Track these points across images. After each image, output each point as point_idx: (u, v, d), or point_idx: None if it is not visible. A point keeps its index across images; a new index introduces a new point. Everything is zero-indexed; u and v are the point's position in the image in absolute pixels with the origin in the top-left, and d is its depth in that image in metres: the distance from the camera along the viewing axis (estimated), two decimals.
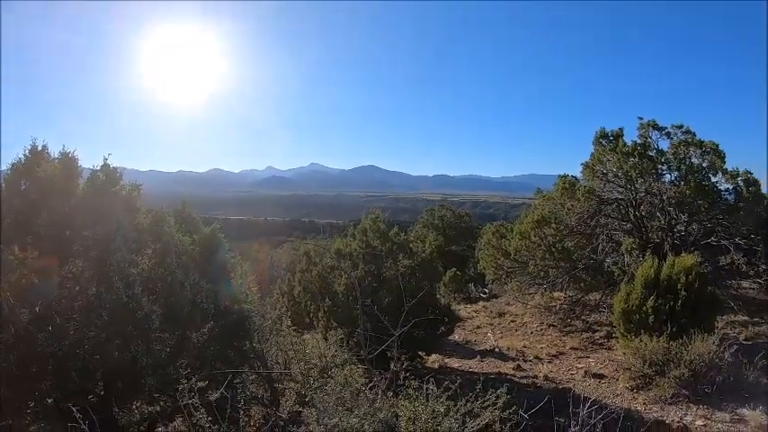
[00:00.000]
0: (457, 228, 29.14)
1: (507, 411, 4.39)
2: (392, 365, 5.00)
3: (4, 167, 6.19)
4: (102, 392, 5.97)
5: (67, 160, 6.17)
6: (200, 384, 4.32)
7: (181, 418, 6.76)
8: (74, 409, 4.12)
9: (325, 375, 5.33)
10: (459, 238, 28.38)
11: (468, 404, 4.31)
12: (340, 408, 4.31)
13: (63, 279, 5.93)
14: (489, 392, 4.54)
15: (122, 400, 5.86)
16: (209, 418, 4.10)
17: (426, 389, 4.30)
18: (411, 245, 10.30)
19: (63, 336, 5.76)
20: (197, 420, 4.01)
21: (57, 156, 6.21)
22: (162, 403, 6.36)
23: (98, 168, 6.28)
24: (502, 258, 15.12)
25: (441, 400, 4.26)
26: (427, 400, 4.22)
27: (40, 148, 6.23)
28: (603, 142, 14.23)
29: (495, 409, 4.34)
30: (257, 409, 6.14)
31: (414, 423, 3.98)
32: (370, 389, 4.59)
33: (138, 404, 6.23)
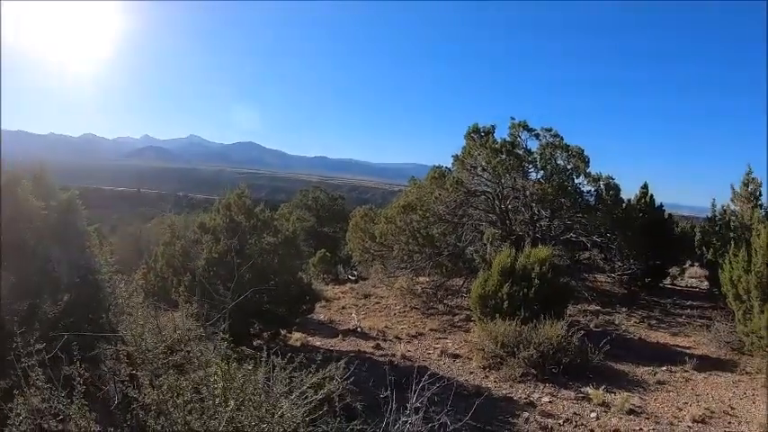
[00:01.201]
0: (330, 210, 29.42)
1: (345, 383, 4.54)
2: (220, 336, 5.03)
3: None
4: None
5: None
6: (38, 348, 4.21)
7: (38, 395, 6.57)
8: None
9: (165, 344, 5.31)
10: (332, 220, 28.61)
11: (310, 376, 4.43)
12: (171, 370, 4.33)
13: None
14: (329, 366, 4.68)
15: None
16: (44, 378, 4.02)
17: (272, 360, 4.38)
18: (276, 222, 10.30)
19: None
20: (33, 381, 3.93)
21: None
22: (13, 377, 6.14)
23: None
24: (369, 241, 15.39)
25: (287, 371, 4.35)
26: (272, 371, 4.31)
27: None
28: (475, 137, 14.71)
29: (331, 380, 4.48)
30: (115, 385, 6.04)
31: (230, 382, 4.05)
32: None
33: None
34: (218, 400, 3.84)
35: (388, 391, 4.78)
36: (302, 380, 4.33)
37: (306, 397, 4.19)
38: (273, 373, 4.28)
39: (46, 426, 4.05)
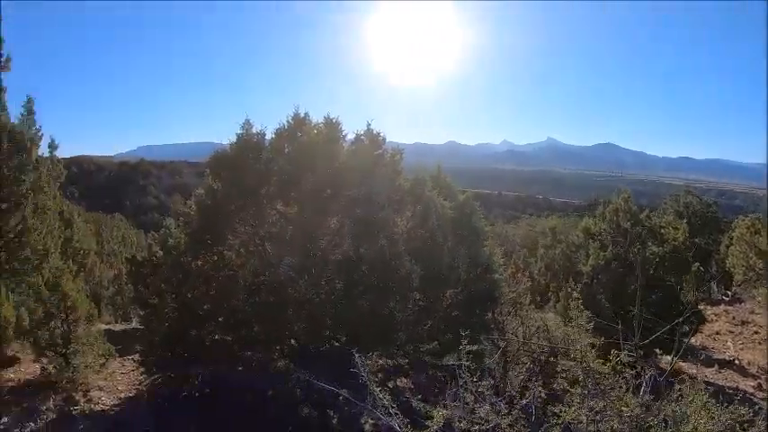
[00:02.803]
0: (703, 218, 26.83)
1: None
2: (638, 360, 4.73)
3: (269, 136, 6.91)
4: (345, 340, 6.35)
5: (331, 125, 6.64)
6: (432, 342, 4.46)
7: (405, 377, 7.04)
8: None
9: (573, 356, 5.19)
10: (704, 229, 26.12)
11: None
12: (612, 391, 4.08)
13: (321, 234, 6.41)
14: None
15: (365, 350, 6.22)
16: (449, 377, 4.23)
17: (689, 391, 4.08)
18: (662, 230, 9.75)
19: (317, 284, 6.24)
20: (464, 383, 4.08)
21: (320, 122, 6.69)
22: (399, 359, 6.68)
23: (362, 133, 6.71)
24: (755, 258, 13.72)
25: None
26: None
27: (302, 116, 6.78)
28: None
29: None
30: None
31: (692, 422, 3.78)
32: (636, 380, 4.34)
33: (372, 355, 6.57)
34: None
35: None
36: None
37: None
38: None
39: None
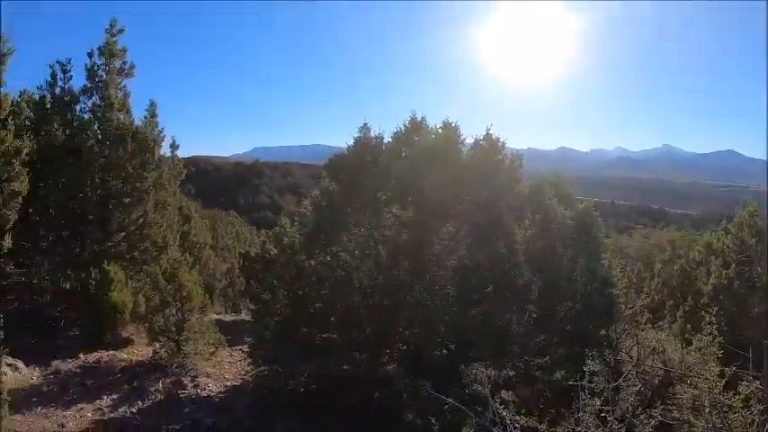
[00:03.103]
0: None
1: None
2: None
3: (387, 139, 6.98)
4: (455, 348, 6.28)
5: (449, 129, 6.60)
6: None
7: (511, 390, 6.88)
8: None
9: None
10: None
11: None
12: (739, 427, 3.83)
13: (437, 238, 6.37)
14: None
15: (477, 360, 6.12)
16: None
17: None
18: None
19: (432, 289, 6.19)
20: (584, 405, 3.94)
21: (438, 126, 6.66)
22: (504, 371, 6.53)
23: (481, 138, 6.63)
24: None
25: None
26: None
27: (419, 119, 6.78)
28: None
29: None
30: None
31: None
32: (762, 416, 4.04)
33: (477, 366, 6.46)
34: None
35: None
36: None
37: None
38: None
39: None
